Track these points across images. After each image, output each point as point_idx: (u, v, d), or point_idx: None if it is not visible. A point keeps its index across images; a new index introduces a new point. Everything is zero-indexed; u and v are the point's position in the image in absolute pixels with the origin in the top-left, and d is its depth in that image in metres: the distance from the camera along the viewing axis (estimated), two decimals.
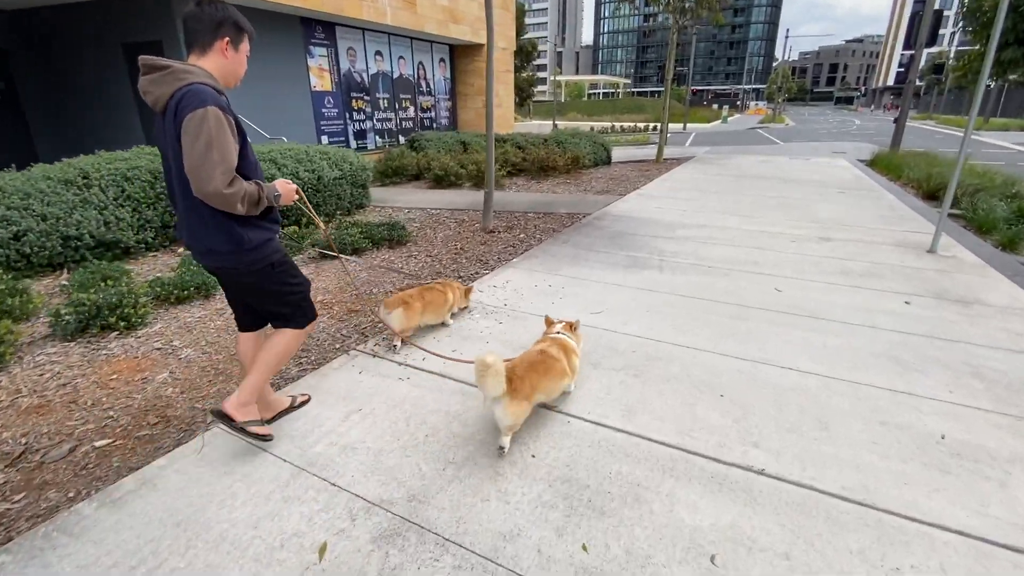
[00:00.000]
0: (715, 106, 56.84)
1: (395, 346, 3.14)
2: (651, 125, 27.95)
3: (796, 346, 3.18)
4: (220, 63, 1.91)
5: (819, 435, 2.32)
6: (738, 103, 68.03)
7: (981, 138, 20.59)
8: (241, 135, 1.91)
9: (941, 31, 12.53)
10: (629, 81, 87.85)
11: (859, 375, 2.84)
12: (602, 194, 8.67)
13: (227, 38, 1.91)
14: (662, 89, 14.46)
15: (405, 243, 5.74)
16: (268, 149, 6.49)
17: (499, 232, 6.19)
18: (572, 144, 11.90)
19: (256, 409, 2.19)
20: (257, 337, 2.33)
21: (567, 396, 2.60)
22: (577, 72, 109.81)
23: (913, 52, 12.66)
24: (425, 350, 3.08)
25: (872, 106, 72.66)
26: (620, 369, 2.90)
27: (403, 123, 14.33)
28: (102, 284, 4.03)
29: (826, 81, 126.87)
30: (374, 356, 3.07)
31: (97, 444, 2.35)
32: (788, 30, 52.19)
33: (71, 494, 2.07)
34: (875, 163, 12.13)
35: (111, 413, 2.57)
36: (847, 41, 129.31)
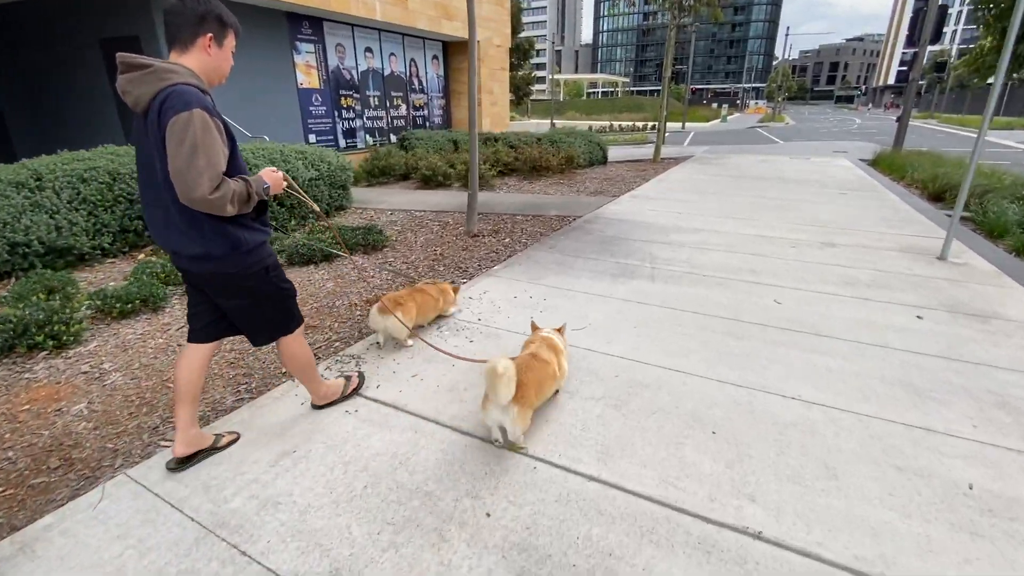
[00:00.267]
0: (715, 105, 56.42)
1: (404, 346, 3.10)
2: (649, 124, 27.60)
3: (798, 370, 2.84)
4: (203, 60, 1.81)
5: (826, 485, 1.98)
6: (738, 102, 67.55)
7: (985, 137, 20.19)
8: (230, 138, 1.83)
9: (943, 28, 12.18)
10: (628, 80, 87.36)
11: (869, 406, 2.50)
12: (595, 195, 8.33)
13: (210, 34, 1.80)
14: (661, 88, 14.12)
15: (381, 248, 5.39)
16: (241, 148, 6.15)
17: (483, 236, 5.85)
18: (566, 143, 11.55)
19: (336, 384, 2.50)
20: (211, 351, 2.12)
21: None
22: (576, 71, 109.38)
23: (916, 50, 12.30)
24: (434, 346, 2.94)
25: (870, 104, 72.21)
26: (600, 399, 2.56)
27: (395, 121, 13.97)
28: (42, 296, 3.70)
29: (826, 80, 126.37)
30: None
31: None
32: (788, 28, 51.81)
33: None
34: (877, 163, 11.79)
35: (10, 454, 2.23)
36: (848, 40, 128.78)
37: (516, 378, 2.02)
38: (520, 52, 34.05)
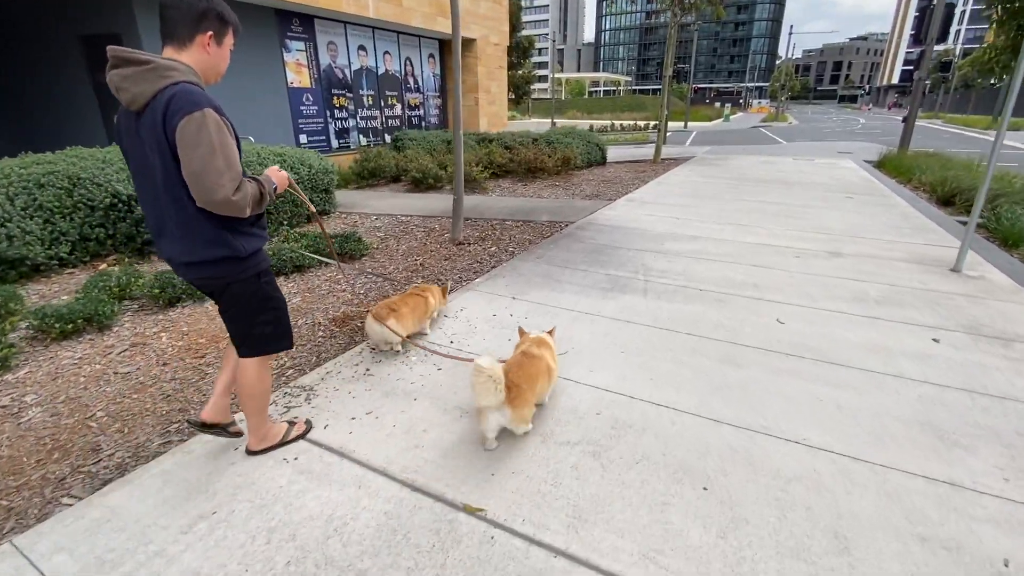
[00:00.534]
0: (717, 104, 55.93)
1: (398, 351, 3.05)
2: (651, 123, 27.22)
3: (802, 406, 2.52)
4: (201, 58, 1.71)
5: (836, 562, 1.67)
6: (741, 101, 67.03)
7: (989, 137, 19.83)
8: (236, 139, 1.73)
9: (950, 27, 11.85)
10: (630, 79, 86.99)
11: (885, 454, 2.18)
12: (590, 199, 8.00)
13: (210, 32, 1.70)
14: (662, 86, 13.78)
15: (360, 257, 5.08)
16: None
17: (469, 244, 5.54)
18: (563, 143, 11.22)
19: (279, 429, 2.23)
20: None
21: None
22: (578, 69, 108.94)
23: (923, 48, 11.93)
24: (435, 351, 2.90)
25: (872, 104, 71.58)
26: (576, 443, 2.24)
27: (389, 121, 13.65)
28: None
29: (830, 79, 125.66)
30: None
31: None
32: (792, 27, 51.37)
33: None
34: (883, 164, 11.44)
35: None
36: (851, 39, 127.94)
37: (507, 378, 2.05)
38: (520, 50, 33.71)
